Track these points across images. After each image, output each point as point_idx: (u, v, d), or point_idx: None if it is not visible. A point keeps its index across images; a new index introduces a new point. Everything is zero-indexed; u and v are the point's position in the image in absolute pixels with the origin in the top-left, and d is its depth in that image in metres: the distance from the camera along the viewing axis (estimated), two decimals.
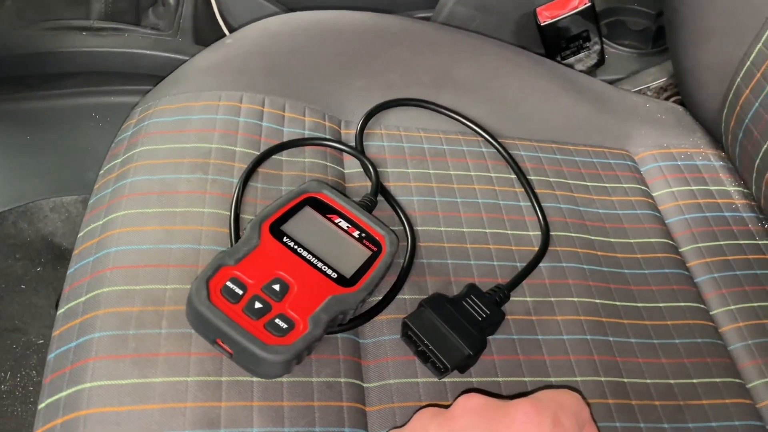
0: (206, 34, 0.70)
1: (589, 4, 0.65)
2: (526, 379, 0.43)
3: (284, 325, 0.37)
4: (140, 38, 0.68)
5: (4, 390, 0.73)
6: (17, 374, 0.74)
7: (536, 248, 0.50)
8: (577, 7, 0.64)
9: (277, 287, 0.39)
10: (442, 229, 0.49)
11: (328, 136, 0.53)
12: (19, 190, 0.71)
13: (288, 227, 0.42)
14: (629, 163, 0.60)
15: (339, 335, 0.42)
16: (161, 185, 0.46)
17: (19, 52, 0.66)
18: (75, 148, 0.71)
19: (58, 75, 0.68)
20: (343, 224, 0.44)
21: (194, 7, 0.69)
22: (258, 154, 0.49)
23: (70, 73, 0.68)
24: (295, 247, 0.41)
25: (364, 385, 0.41)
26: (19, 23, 0.67)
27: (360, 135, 0.53)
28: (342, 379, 0.40)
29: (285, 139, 0.51)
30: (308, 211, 0.44)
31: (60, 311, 0.42)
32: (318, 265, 0.41)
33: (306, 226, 0.43)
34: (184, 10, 0.68)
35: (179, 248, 0.43)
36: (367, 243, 0.43)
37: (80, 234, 0.47)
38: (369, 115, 0.54)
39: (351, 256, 0.42)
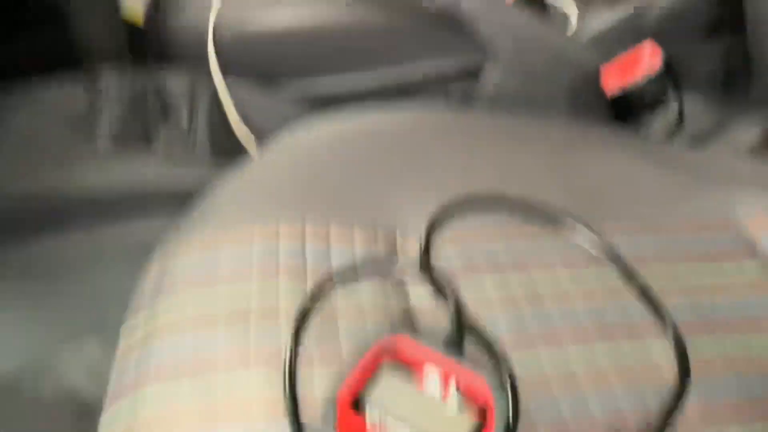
0: (225, 148, 0.63)
1: (663, 65, 0.56)
2: None
3: None
4: (152, 162, 0.60)
5: None
6: None
7: (662, 364, 0.40)
8: (649, 71, 0.56)
9: None
10: (542, 355, 0.39)
11: (385, 259, 0.44)
12: (34, 343, 0.63)
13: (367, 396, 0.33)
14: (743, 237, 0.49)
15: None
16: (193, 353, 0.37)
17: (20, 191, 0.59)
18: (90, 291, 0.63)
19: (63, 213, 0.60)
20: (434, 382, 0.34)
21: (208, 119, 0.62)
22: (306, 290, 0.40)
23: (78, 210, 0.61)
24: (383, 423, 0.32)
25: None
26: (16, 159, 0.60)
27: (426, 255, 0.43)
28: None
29: (334, 269, 0.42)
30: (387, 369, 0.35)
31: None
32: None
33: (389, 390, 0.34)
34: (199, 124, 0.61)
35: None
36: (468, 402, 0.34)
37: (102, 418, 0.38)
38: (431, 227, 0.45)
39: (453, 425, 0.33)
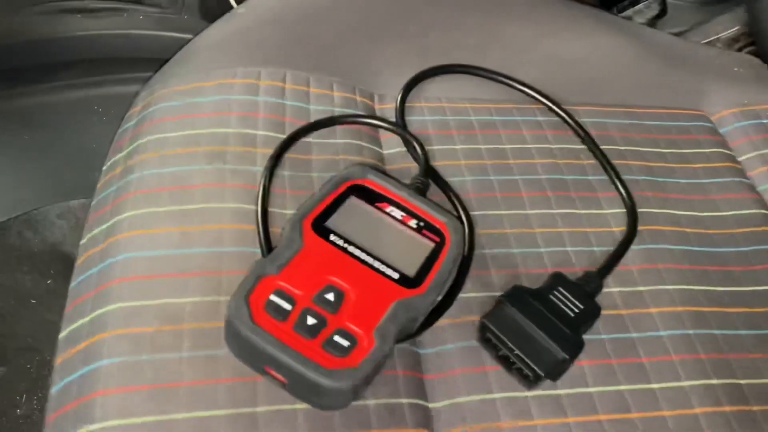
0: (214, 9, 0.63)
1: None
2: (622, 387, 0.35)
3: (346, 343, 0.30)
4: (142, 18, 0.61)
5: (20, 414, 0.68)
6: (33, 397, 0.68)
7: (614, 229, 0.42)
8: None
9: (330, 296, 0.32)
10: (503, 212, 0.42)
11: (363, 113, 0.45)
12: (21, 197, 0.65)
13: (333, 223, 0.35)
14: (707, 124, 0.51)
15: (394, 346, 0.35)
16: (173, 179, 0.40)
17: (9, 41, 0.60)
18: (78, 146, 0.64)
19: (54, 65, 0.61)
20: (397, 213, 0.37)
21: None
22: (284, 137, 0.42)
23: (68, 62, 0.62)
24: (345, 245, 0.34)
25: (430, 405, 0.34)
26: (7, 9, 0.61)
27: (401, 109, 0.45)
28: (404, 400, 0.33)
29: (312, 119, 0.44)
30: (354, 201, 0.37)
31: (62, 335, 0.36)
32: (375, 265, 0.34)
33: (354, 219, 0.36)
34: None
35: (198, 253, 0.36)
36: (427, 233, 0.36)
37: (82, 241, 0.40)
38: (409, 87, 0.47)
39: (411, 250, 0.35)
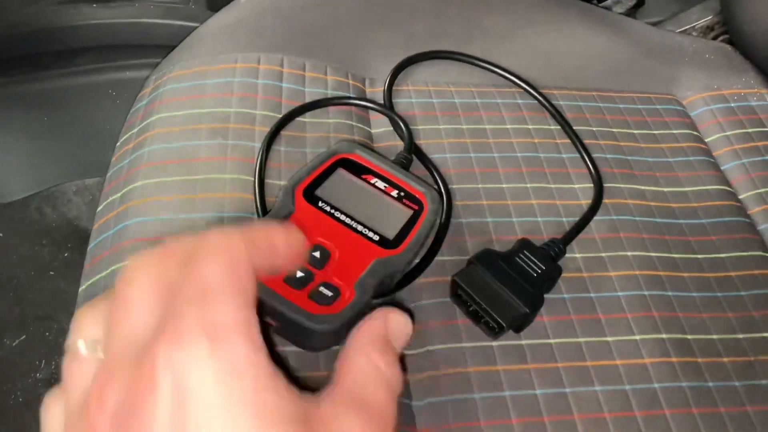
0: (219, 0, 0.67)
1: None
2: (580, 339, 0.40)
3: (329, 293, 0.35)
4: (152, 7, 0.65)
5: (39, 378, 0.73)
6: (52, 362, 0.73)
7: (582, 201, 0.46)
8: None
9: (317, 254, 0.36)
10: (480, 186, 0.46)
11: (353, 95, 0.49)
12: (41, 175, 0.70)
13: (322, 191, 0.39)
14: (677, 107, 0.55)
15: (374, 300, 0.39)
16: (180, 153, 0.44)
17: (28, 29, 0.64)
18: (94, 127, 0.69)
19: (70, 51, 0.66)
20: (380, 184, 0.41)
21: None
22: (280, 116, 0.46)
23: (83, 49, 0.66)
24: (332, 211, 0.38)
25: (406, 352, 0.38)
26: (24, 2, 0.65)
27: (388, 91, 0.49)
28: None
29: (307, 100, 0.48)
30: (341, 172, 0.41)
31: (81, 288, 0.40)
32: (358, 228, 0.38)
33: (341, 188, 0.40)
34: None
35: (202, 217, 0.40)
36: (407, 202, 0.40)
37: (99, 208, 0.45)
38: (397, 71, 0.51)
39: (392, 216, 0.39)
